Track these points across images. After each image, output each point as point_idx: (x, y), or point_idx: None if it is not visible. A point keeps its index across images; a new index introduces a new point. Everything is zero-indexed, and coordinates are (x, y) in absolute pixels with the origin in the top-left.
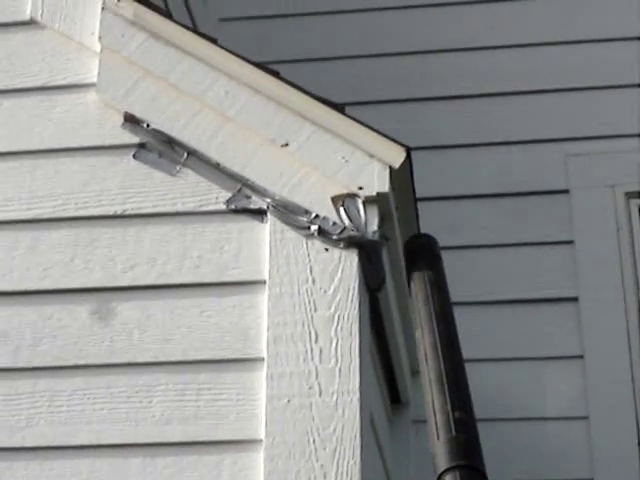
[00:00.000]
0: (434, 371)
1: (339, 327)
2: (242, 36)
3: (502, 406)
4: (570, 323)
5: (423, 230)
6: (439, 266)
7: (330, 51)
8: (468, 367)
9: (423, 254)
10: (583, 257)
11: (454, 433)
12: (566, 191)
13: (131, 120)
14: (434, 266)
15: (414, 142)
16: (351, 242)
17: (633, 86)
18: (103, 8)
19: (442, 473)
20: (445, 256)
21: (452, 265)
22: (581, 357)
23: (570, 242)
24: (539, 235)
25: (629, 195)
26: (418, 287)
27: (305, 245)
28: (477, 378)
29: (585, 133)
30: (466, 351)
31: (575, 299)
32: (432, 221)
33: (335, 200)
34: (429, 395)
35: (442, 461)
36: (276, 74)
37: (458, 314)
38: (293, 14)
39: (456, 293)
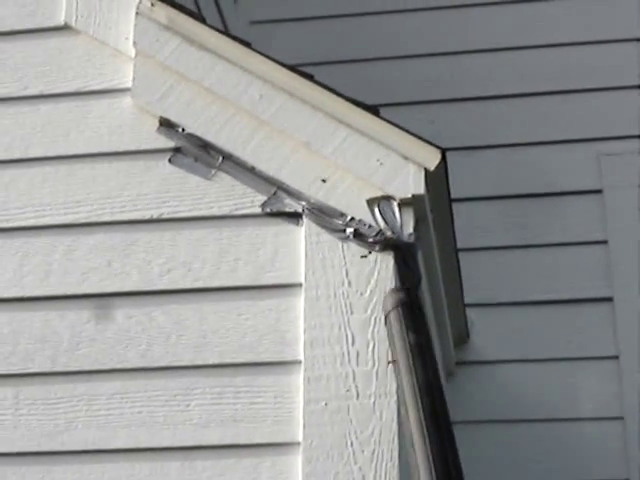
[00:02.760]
0: (421, 455)
1: (375, 329)
2: (273, 39)
3: (537, 406)
4: (605, 323)
5: (458, 231)
6: (421, 325)
7: (362, 53)
8: (504, 368)
9: (403, 313)
10: (617, 257)
11: None
12: (599, 191)
13: (166, 125)
14: (415, 327)
15: (446, 143)
16: (387, 245)
17: None
18: (137, 13)
19: None
20: (478, 257)
21: (486, 266)
22: (616, 357)
23: (604, 242)
24: (573, 235)
25: None
26: (399, 354)
27: (341, 248)
28: (512, 379)
29: (618, 132)
30: (502, 352)
31: (610, 299)
32: (465, 222)
33: (370, 203)
34: None
35: None
36: (310, 77)
37: (494, 314)
38: (324, 16)
39: (491, 294)
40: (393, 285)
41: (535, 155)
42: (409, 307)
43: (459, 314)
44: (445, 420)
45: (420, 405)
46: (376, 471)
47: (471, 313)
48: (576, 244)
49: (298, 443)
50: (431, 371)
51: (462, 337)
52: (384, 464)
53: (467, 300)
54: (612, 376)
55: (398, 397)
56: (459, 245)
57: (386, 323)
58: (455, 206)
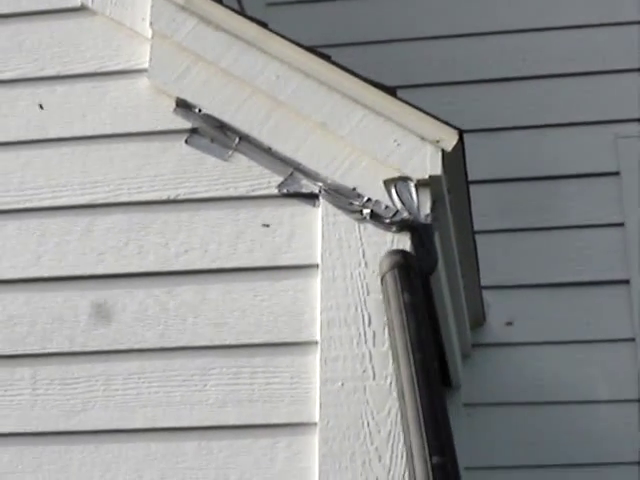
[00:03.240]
0: (411, 409)
1: None
2: (290, 20)
3: (553, 389)
4: (621, 305)
5: (475, 213)
6: (416, 286)
7: (379, 34)
8: (520, 351)
9: (399, 274)
10: (634, 239)
11: None
12: (617, 173)
13: (183, 105)
14: (410, 287)
15: (464, 125)
16: (403, 225)
17: None
18: None
19: None
20: (495, 239)
21: (503, 249)
22: (633, 340)
23: (621, 224)
24: (590, 217)
25: None
26: (394, 313)
27: (357, 229)
28: (529, 361)
29: (635, 115)
30: (518, 334)
31: (627, 281)
32: (481, 204)
33: (387, 183)
34: (406, 436)
35: None
36: (327, 58)
37: (510, 296)
38: None
39: (507, 276)
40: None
41: (552, 137)
42: (405, 269)
43: (475, 296)
44: (435, 376)
45: (412, 361)
46: (392, 451)
47: (488, 295)
48: (593, 226)
49: (315, 423)
50: (424, 329)
51: (478, 319)
52: (400, 444)
53: (484, 282)
54: (628, 358)
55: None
56: (477, 227)
57: (382, 284)
58: (472, 188)
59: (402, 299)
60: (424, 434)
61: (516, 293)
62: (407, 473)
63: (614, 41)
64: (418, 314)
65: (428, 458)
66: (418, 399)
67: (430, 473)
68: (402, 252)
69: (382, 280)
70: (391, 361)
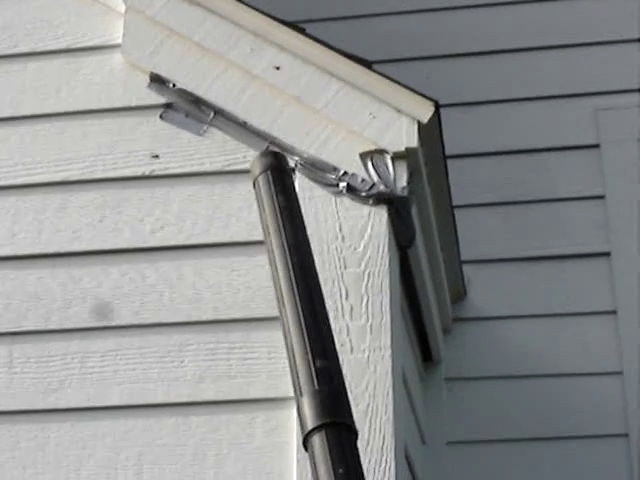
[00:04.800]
0: (291, 314)
1: (369, 284)
2: None
3: (534, 362)
4: (602, 278)
5: (454, 187)
6: (291, 190)
7: (356, 9)
8: (501, 324)
9: (272, 177)
10: (614, 212)
11: (316, 386)
12: (596, 145)
13: (157, 80)
14: (284, 189)
15: (441, 99)
16: (380, 198)
17: None
18: None
19: (307, 434)
20: (475, 213)
21: (482, 222)
22: (614, 312)
23: (601, 197)
24: (570, 190)
25: None
26: (269, 217)
27: (334, 202)
28: (510, 335)
29: (615, 87)
30: (499, 308)
31: (607, 254)
32: (460, 178)
33: (363, 157)
34: (288, 342)
35: (307, 420)
36: (302, 30)
37: (490, 271)
38: None
39: (488, 250)
40: (387, 240)
41: (531, 110)
42: (278, 171)
43: (455, 270)
44: (315, 280)
45: (290, 264)
46: (370, 424)
47: (468, 269)
48: (573, 199)
49: (292, 398)
50: (300, 232)
51: (459, 293)
52: (379, 418)
53: (464, 256)
54: (610, 331)
55: (393, 349)
56: (456, 201)
57: (254, 187)
58: (450, 162)
59: (277, 201)
60: (306, 338)
61: (496, 267)
62: (291, 378)
63: (593, 13)
64: (295, 218)
65: (311, 362)
66: (298, 303)
67: (314, 376)
68: (274, 154)
69: (254, 184)
70: (369, 334)
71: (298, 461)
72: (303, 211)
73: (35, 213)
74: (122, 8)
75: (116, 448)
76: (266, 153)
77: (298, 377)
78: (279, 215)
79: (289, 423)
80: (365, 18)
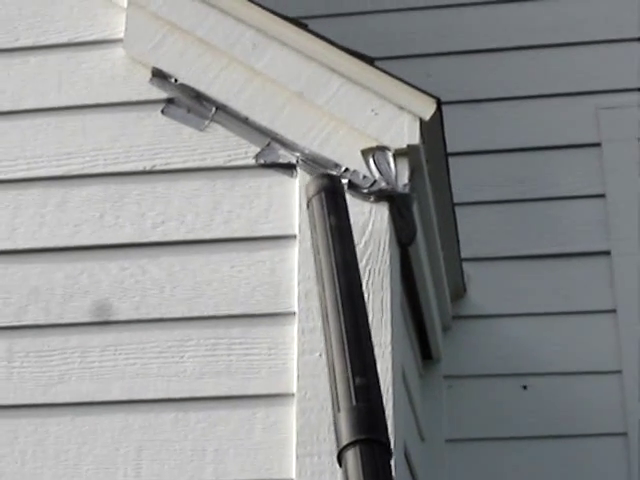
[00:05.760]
0: (335, 331)
1: (370, 281)
2: None
3: (534, 361)
4: (602, 277)
5: (455, 185)
6: (343, 211)
7: (359, 5)
8: (501, 322)
9: (325, 198)
10: (615, 210)
11: (354, 402)
12: (597, 144)
13: (159, 75)
14: (337, 211)
15: (443, 96)
16: (382, 195)
17: None
18: None
19: (342, 449)
20: (476, 211)
21: (482, 220)
22: (614, 311)
23: (602, 196)
24: (571, 189)
25: None
26: (320, 235)
27: None
28: (509, 333)
29: (616, 85)
30: (498, 306)
31: (607, 253)
32: (462, 176)
33: (365, 153)
34: (329, 358)
35: (343, 436)
36: (304, 26)
37: (490, 269)
38: None
39: (488, 248)
40: (388, 237)
41: (533, 108)
42: (332, 192)
43: (456, 268)
44: (360, 300)
45: (337, 283)
46: None
47: (468, 267)
48: (574, 198)
49: (292, 394)
50: (349, 253)
51: (459, 291)
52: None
53: (464, 254)
54: (610, 330)
55: (393, 346)
56: (457, 199)
57: (308, 208)
58: (452, 160)
59: (328, 222)
60: (347, 355)
61: (496, 265)
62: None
63: (594, 12)
64: (344, 237)
65: (351, 379)
66: (342, 321)
67: (353, 393)
68: (329, 176)
69: (308, 204)
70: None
71: (297, 457)
72: (304, 207)
73: (36, 207)
74: (124, 2)
75: (116, 443)
76: (321, 175)
77: (337, 393)
78: (329, 235)
79: (289, 419)
80: (367, 15)
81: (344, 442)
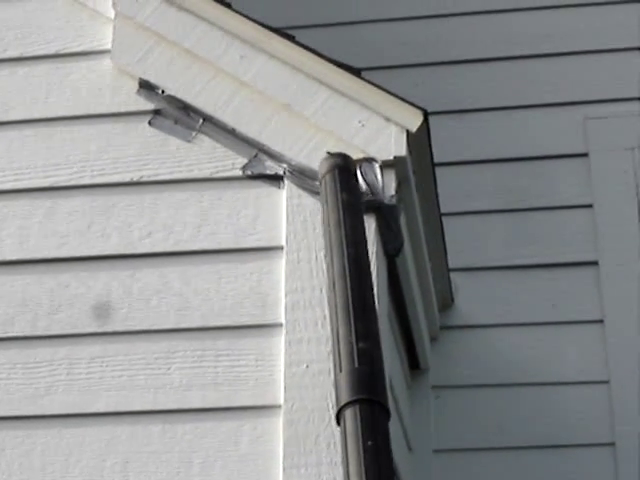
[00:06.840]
0: (341, 297)
1: None
2: (254, 1)
3: (522, 371)
4: (590, 287)
5: (442, 195)
6: (354, 188)
7: (346, 16)
8: (488, 333)
9: (339, 175)
10: (602, 221)
11: (357, 365)
12: (585, 154)
13: (146, 86)
14: (349, 188)
15: (431, 107)
16: (368, 207)
17: None
18: None
19: (342, 407)
20: (464, 221)
21: (471, 230)
22: (601, 321)
23: (589, 206)
24: (558, 199)
25: None
26: (331, 210)
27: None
28: (497, 343)
29: (604, 96)
30: (486, 316)
31: (595, 263)
32: (450, 186)
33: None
34: (334, 323)
35: (343, 395)
36: (291, 38)
37: (478, 279)
38: None
39: (476, 258)
40: (375, 248)
41: (521, 118)
42: (345, 170)
43: (443, 278)
44: (368, 273)
45: (345, 254)
46: None
47: (456, 277)
48: (561, 208)
49: (279, 406)
50: (359, 228)
51: (446, 301)
52: None
53: (452, 264)
54: (597, 340)
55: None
56: (444, 209)
57: (320, 184)
58: (439, 170)
59: (340, 197)
60: (352, 321)
61: (484, 275)
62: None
63: (582, 22)
64: (355, 213)
65: (354, 342)
66: (349, 288)
67: (355, 356)
68: (342, 155)
69: (321, 183)
70: None
71: (284, 469)
72: (291, 219)
73: (23, 219)
74: (112, 14)
75: (102, 455)
76: (334, 154)
77: (340, 355)
78: (341, 210)
79: (276, 431)
80: (355, 25)
81: (343, 401)
